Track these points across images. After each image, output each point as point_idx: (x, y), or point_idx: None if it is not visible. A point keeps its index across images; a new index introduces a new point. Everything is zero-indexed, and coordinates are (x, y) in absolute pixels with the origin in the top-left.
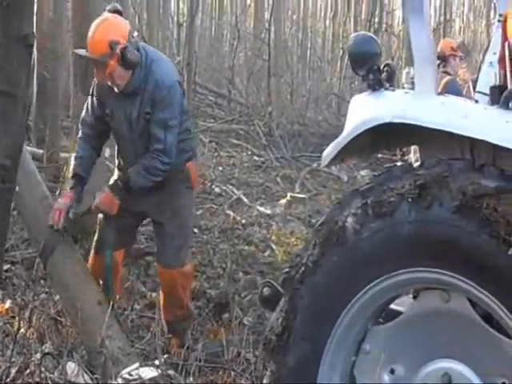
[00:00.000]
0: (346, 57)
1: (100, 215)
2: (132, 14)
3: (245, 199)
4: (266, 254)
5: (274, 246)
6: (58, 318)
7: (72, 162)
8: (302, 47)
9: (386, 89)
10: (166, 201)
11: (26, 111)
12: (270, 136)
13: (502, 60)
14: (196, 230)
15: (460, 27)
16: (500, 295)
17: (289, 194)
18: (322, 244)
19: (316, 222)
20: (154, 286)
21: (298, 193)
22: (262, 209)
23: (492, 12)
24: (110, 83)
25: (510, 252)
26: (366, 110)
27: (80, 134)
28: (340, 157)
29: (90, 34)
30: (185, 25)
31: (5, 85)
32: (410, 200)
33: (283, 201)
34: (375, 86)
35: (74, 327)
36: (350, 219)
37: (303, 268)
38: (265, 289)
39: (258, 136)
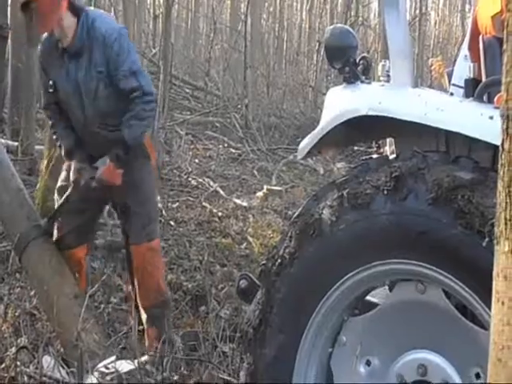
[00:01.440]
0: (322, 49)
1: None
2: (107, 6)
3: (221, 192)
4: (243, 246)
5: (250, 239)
6: (34, 312)
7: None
8: (279, 39)
9: (362, 81)
10: (124, 180)
11: (2, 103)
12: (246, 128)
13: (473, 53)
14: (172, 223)
15: (435, 21)
16: (475, 286)
17: (265, 187)
18: (298, 236)
19: (292, 215)
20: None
21: (274, 185)
22: (238, 201)
23: (467, 6)
24: (58, 34)
25: (484, 244)
26: (342, 102)
27: (51, 121)
28: (316, 149)
29: None
30: (161, 17)
31: None
32: (385, 192)
33: (260, 193)
34: (351, 78)
35: (49, 321)
36: (325, 211)
37: (279, 260)
38: (241, 281)
39: (234, 128)
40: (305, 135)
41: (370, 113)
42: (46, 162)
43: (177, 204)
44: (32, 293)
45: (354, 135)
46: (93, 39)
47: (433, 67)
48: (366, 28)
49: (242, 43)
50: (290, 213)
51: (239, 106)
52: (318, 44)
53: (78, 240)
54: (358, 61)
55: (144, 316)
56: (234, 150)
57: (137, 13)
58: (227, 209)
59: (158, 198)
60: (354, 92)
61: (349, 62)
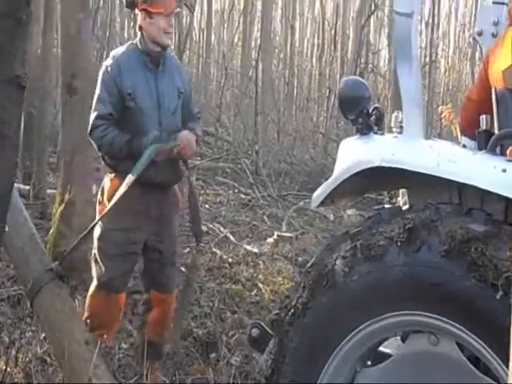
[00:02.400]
0: (333, 96)
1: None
2: None
3: (232, 238)
4: (253, 293)
5: (260, 285)
6: (45, 358)
7: (111, 146)
8: (289, 86)
9: (375, 133)
10: (163, 228)
11: (18, 152)
12: (256, 174)
13: (482, 104)
14: (183, 269)
15: (445, 68)
16: (488, 339)
17: (276, 233)
18: (312, 286)
19: (303, 261)
20: (140, 324)
21: (284, 231)
22: (248, 247)
23: (477, 54)
24: (166, 39)
25: (498, 296)
26: (355, 153)
27: (101, 128)
28: (330, 198)
29: None
30: None
31: None
32: (398, 243)
33: (270, 239)
34: (364, 129)
35: (60, 367)
36: (339, 262)
37: (293, 310)
38: (253, 330)
39: (244, 174)
40: (315, 181)
41: (383, 164)
42: (57, 206)
43: (187, 250)
44: (42, 337)
45: (368, 185)
46: (171, 61)
47: (443, 115)
48: (375, 75)
49: (253, 89)
50: (300, 259)
51: (250, 152)
52: (328, 91)
53: (126, 284)
54: (370, 111)
55: (153, 350)
56: (244, 196)
57: None
58: (237, 255)
59: None
60: (367, 143)
61: (362, 113)
